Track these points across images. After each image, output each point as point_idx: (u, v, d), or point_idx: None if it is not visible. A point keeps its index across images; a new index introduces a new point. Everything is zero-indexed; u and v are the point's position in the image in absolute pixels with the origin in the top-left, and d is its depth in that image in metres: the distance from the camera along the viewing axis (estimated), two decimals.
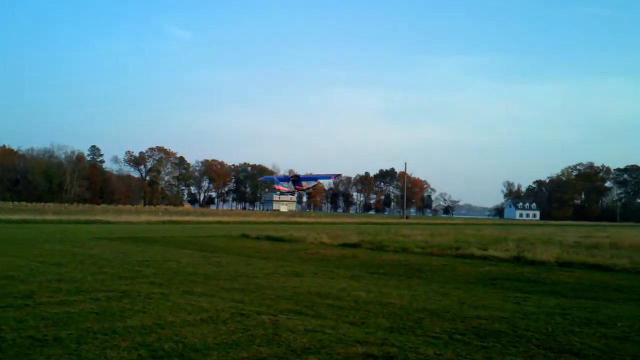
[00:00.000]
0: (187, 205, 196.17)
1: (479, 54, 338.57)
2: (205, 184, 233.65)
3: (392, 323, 10.49)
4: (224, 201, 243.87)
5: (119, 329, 9.32)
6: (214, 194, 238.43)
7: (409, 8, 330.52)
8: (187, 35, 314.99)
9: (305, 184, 35.76)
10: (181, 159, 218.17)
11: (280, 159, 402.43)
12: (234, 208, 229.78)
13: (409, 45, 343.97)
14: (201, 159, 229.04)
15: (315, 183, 37.85)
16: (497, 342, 9.20)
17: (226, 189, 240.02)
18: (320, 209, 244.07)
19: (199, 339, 8.87)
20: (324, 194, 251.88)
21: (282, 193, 37.19)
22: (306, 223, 69.73)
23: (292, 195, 35.69)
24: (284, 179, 36.54)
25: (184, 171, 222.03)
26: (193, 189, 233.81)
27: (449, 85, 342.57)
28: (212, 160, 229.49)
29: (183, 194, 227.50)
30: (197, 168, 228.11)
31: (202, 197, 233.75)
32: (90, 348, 8.20)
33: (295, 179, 34.82)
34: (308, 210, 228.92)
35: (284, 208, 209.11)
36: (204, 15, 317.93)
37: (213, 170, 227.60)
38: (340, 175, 40.51)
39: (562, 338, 9.66)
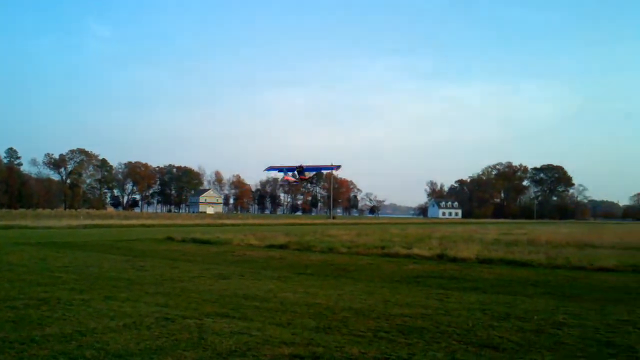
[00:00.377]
0: (110, 209, 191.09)
1: (404, 56, 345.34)
2: (128, 186, 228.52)
3: (318, 323, 10.56)
4: (149, 204, 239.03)
5: (38, 338, 9.00)
6: (138, 197, 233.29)
7: (334, 8, 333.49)
8: (107, 33, 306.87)
9: (307, 174, 37.39)
10: (103, 161, 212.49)
11: (207, 160, 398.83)
12: (159, 211, 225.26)
13: (335, 45, 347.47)
14: (124, 160, 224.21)
15: (316, 173, 36.32)
16: (421, 339, 9.41)
17: (150, 191, 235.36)
18: (247, 211, 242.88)
19: (122, 345, 8.67)
20: (250, 196, 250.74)
21: (290, 183, 38.17)
22: (233, 225, 69.24)
23: (296, 183, 37.99)
24: (290, 169, 36.49)
25: (106, 173, 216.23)
26: (116, 192, 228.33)
27: (376, 86, 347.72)
28: (136, 162, 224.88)
29: (106, 197, 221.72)
30: (120, 170, 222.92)
31: (125, 200, 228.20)
32: (7, 358, 7.89)
33: (300, 170, 35.47)
34: (235, 212, 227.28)
35: (210, 210, 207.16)
36: (125, 13, 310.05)
37: (137, 172, 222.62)
38: (340, 166, 41.06)
39: (482, 332, 9.97)
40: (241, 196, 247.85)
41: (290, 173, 36.04)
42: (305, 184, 32.72)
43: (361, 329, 10.12)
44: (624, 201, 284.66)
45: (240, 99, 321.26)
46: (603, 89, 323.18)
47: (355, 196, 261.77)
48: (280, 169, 37.44)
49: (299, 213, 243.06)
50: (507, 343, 9.23)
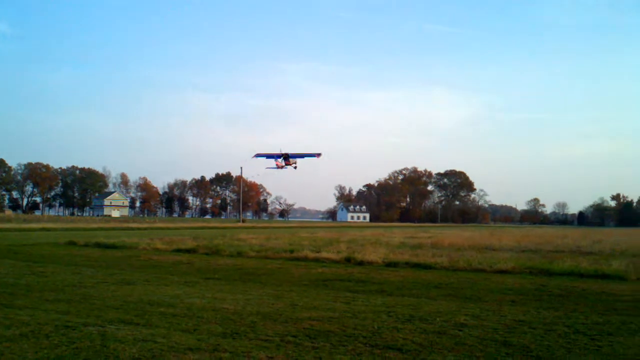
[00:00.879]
0: (9, 212, 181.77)
1: (317, 61, 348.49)
2: (28, 188, 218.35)
3: (225, 328, 10.47)
4: (50, 207, 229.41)
5: None
6: (38, 199, 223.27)
7: (254, 13, 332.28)
8: (6, 30, 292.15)
9: (292, 161, 42.87)
10: (1, 161, 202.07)
11: (112, 162, 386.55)
12: (61, 214, 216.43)
13: (250, 50, 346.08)
14: (24, 161, 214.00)
15: (300, 159, 43.98)
16: (327, 342, 9.51)
17: (52, 193, 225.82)
18: (155, 214, 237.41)
19: (18, 355, 8.29)
20: (158, 199, 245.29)
21: (278, 167, 43.12)
22: (139, 229, 67.53)
23: (283, 168, 43.08)
24: (277, 156, 42.33)
25: (4, 175, 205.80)
26: (15, 194, 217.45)
27: (288, 91, 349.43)
28: (37, 163, 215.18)
29: (3, 200, 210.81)
30: (20, 171, 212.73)
31: (25, 203, 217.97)
32: None
33: (286, 157, 41.85)
34: (142, 215, 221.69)
35: (115, 213, 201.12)
36: (26, 10, 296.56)
37: (37, 173, 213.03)
38: (320, 154, 44.55)
39: (387, 335, 10.18)
40: (148, 199, 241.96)
41: (278, 159, 42.16)
42: (292, 167, 42.53)
43: (269, 333, 10.11)
44: (521, 206, 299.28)
45: (149, 101, 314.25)
46: (503, 97, 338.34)
47: (265, 200, 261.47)
48: (268, 156, 43.24)
49: (208, 217, 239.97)
50: (411, 344, 9.47)
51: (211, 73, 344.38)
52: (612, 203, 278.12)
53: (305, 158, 45.27)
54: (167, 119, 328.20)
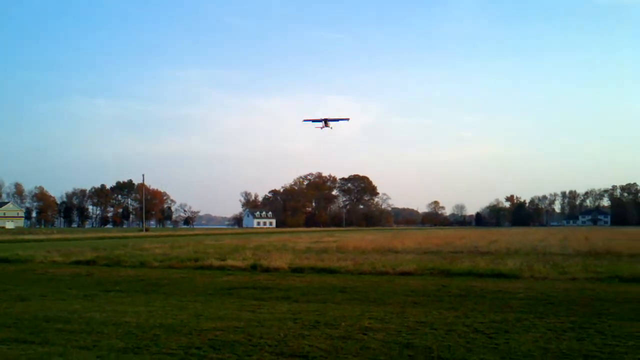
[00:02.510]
0: None
1: (218, 68, 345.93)
2: None
3: (126, 343, 10.13)
4: None
5: None
6: None
7: (148, 17, 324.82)
8: None
9: (330, 124, 62.82)
10: None
11: (5, 171, 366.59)
12: None
13: (146, 55, 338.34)
14: None
15: (337, 122, 64.58)
16: (233, 353, 9.39)
17: None
18: (53, 224, 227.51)
19: None
20: (56, 209, 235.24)
21: (321, 128, 63.15)
22: (36, 240, 64.26)
23: (324, 128, 63.42)
24: (319, 120, 62.78)
25: None
26: None
27: (190, 97, 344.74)
28: None
29: None
30: None
31: None
32: None
33: (325, 121, 62.22)
34: (38, 226, 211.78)
35: (9, 225, 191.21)
36: None
37: None
38: (349, 118, 72.54)
39: (293, 342, 10.17)
40: (45, 209, 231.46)
41: (320, 123, 62.55)
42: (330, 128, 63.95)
43: (172, 346, 9.88)
44: (422, 208, 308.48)
45: (43, 107, 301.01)
46: (400, 102, 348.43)
47: (169, 207, 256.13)
48: (313, 120, 63.19)
49: (109, 226, 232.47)
50: (317, 351, 9.51)
51: (107, 79, 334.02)
52: (507, 204, 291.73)
53: (340, 122, 65.81)
54: (63, 125, 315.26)
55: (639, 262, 25.92)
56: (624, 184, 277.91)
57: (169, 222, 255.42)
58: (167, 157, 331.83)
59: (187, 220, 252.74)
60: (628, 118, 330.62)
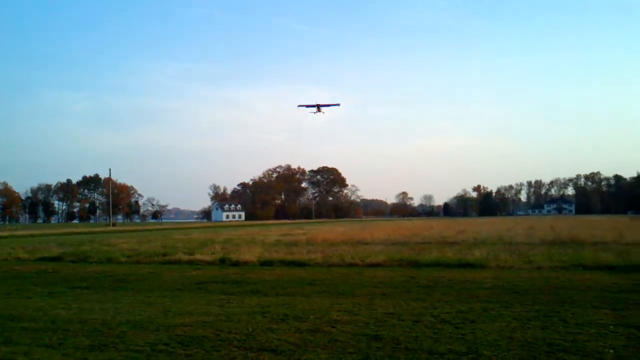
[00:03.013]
0: None
1: (187, 61, 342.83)
2: None
3: (92, 341, 10.03)
4: None
5: None
6: None
7: (116, 8, 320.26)
8: None
9: (322, 109, 68.17)
10: None
11: None
12: None
13: (116, 48, 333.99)
14: None
15: (329, 107, 70.73)
16: (201, 348, 9.36)
17: None
18: (17, 221, 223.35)
19: None
20: (20, 204, 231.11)
21: (314, 112, 68.60)
22: (0, 237, 63.20)
23: (317, 113, 69.05)
24: (313, 106, 67.76)
25: None
26: None
27: (159, 90, 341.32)
28: None
29: None
30: None
31: None
32: None
33: (318, 106, 67.25)
34: (2, 222, 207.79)
35: None
36: None
37: None
38: (339, 104, 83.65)
39: (262, 336, 10.17)
40: (9, 205, 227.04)
41: (313, 108, 67.58)
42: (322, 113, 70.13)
43: (139, 343, 9.80)
44: (391, 199, 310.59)
45: (6, 101, 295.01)
46: (368, 93, 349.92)
47: (136, 202, 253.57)
48: (307, 106, 68.15)
49: (76, 221, 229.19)
50: (285, 345, 9.53)
51: (72, 71, 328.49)
52: (474, 194, 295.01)
53: (331, 107, 71.64)
54: (27, 119, 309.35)
55: (601, 250, 26.55)
56: (587, 173, 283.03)
57: (136, 216, 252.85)
58: (134, 150, 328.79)
59: (155, 215, 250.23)
60: (591, 108, 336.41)
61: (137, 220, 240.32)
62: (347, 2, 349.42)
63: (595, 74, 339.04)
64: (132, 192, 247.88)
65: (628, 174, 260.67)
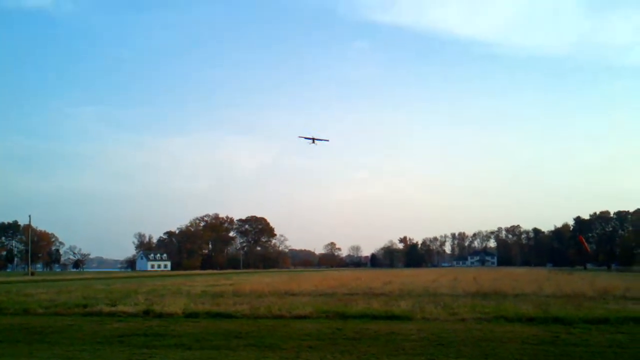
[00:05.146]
0: None
1: (113, 106, 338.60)
2: None
3: None
4: None
5: None
6: None
7: (40, 52, 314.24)
8: None
9: (317, 142, 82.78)
10: None
11: None
12: None
13: (40, 89, 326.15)
14: None
15: (321, 142, 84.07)
16: None
17: None
18: None
19: None
20: None
21: (311, 143, 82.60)
22: None
23: (314, 143, 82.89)
24: (310, 139, 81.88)
25: None
26: None
27: (83, 135, 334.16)
28: None
29: None
30: None
31: None
32: None
33: (313, 139, 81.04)
34: None
35: None
36: None
37: None
38: (329, 140, 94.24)
39: None
40: None
41: (310, 140, 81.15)
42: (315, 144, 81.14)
43: None
44: (319, 250, 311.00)
45: None
46: (298, 144, 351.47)
47: (57, 250, 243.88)
48: (306, 138, 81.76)
49: None
50: None
51: None
52: (400, 245, 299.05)
53: (323, 141, 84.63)
54: None
55: (521, 301, 27.36)
56: (508, 225, 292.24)
57: (57, 265, 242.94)
58: (56, 196, 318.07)
59: (77, 264, 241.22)
60: (511, 160, 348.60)
61: (58, 270, 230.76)
62: (271, 51, 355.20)
63: (513, 124, 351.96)
64: (52, 239, 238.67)
65: (546, 227, 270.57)
